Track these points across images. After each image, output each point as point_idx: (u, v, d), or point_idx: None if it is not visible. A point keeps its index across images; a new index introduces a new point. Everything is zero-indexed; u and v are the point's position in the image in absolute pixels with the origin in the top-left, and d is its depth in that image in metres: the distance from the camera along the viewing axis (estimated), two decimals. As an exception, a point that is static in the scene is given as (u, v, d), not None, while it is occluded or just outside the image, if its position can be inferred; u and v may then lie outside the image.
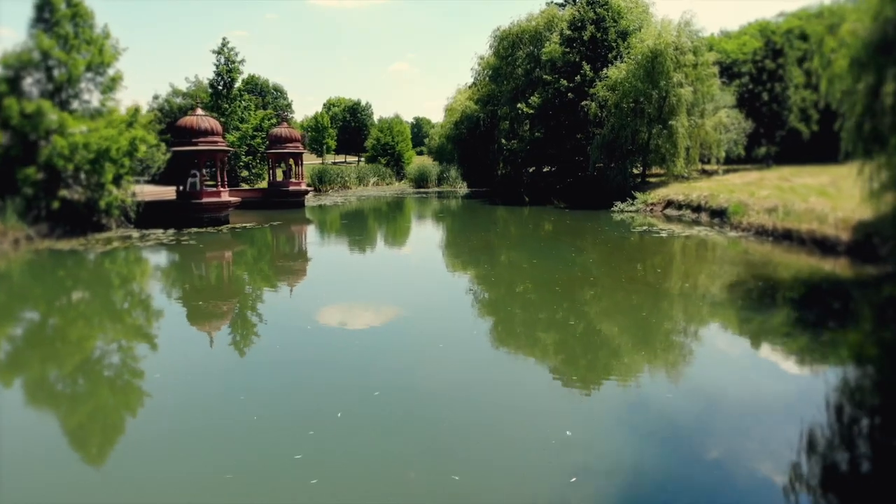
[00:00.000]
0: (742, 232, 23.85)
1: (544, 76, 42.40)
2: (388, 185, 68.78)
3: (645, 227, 26.63)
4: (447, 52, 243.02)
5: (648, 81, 36.54)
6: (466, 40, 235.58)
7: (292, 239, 28.32)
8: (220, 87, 41.18)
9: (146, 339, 12.03)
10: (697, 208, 30.02)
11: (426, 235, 29.61)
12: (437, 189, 62.81)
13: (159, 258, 21.48)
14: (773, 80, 45.95)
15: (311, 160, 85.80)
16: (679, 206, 31.83)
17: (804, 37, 49.93)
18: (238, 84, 41.57)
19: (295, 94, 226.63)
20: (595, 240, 24.51)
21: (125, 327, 12.99)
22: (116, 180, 26.11)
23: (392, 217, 39.11)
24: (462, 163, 58.91)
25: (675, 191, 34.28)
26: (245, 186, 41.62)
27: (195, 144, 27.28)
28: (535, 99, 42.39)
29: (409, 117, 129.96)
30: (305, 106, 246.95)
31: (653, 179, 40.29)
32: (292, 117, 75.44)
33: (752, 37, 62.45)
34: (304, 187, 39.26)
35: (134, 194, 27.40)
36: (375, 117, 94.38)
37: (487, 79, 52.20)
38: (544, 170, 47.42)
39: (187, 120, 27.93)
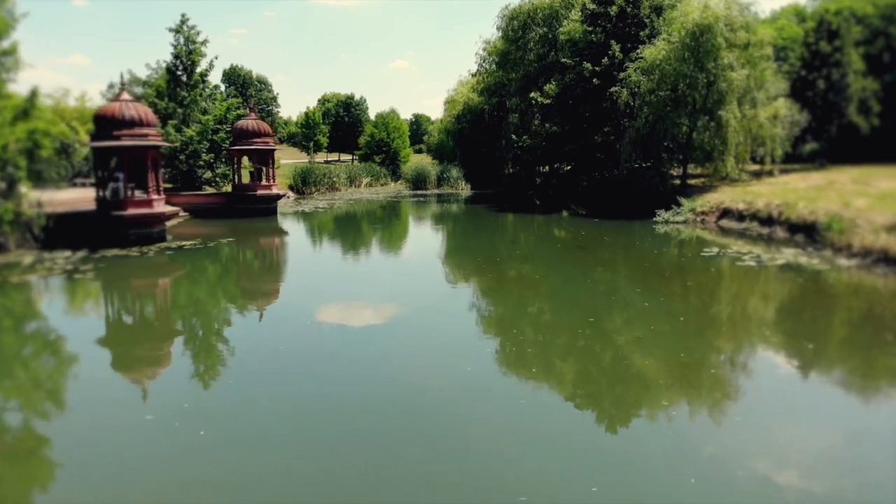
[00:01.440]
0: (854, 258, 17.33)
1: (563, 60, 35.85)
2: (382, 186, 62.29)
3: (716, 250, 19.94)
4: (448, 49, 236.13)
5: (693, 63, 30.03)
6: (468, 37, 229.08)
7: (261, 257, 21.96)
8: (179, 73, 34.68)
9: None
10: (768, 220, 23.51)
11: (421, 256, 23.09)
12: (436, 191, 56.29)
13: (44, 294, 15.07)
14: (827, 65, 39.38)
15: (302, 158, 79.10)
16: (740, 217, 25.32)
17: (857, 18, 43.50)
18: (201, 68, 35.03)
19: (293, 92, 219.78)
20: (658, 272, 17.63)
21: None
22: (9, 187, 19.67)
23: (382, 226, 32.64)
24: (464, 161, 52.40)
25: (728, 196, 27.81)
26: (210, 190, 35.10)
27: (117, 138, 20.76)
28: (550, 87, 35.86)
29: (408, 115, 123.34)
30: (303, 104, 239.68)
31: (693, 182, 33.79)
32: (277, 111, 68.92)
33: (788, 21, 56.10)
34: (276, 191, 32.72)
35: (40, 204, 20.93)
36: (371, 113, 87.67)
37: (494, 66, 45.59)
38: (564, 169, 40.91)
39: (108, 108, 21.36)
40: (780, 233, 22.34)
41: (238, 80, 65.54)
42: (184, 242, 22.05)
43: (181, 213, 31.55)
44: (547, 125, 39.29)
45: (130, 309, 14.58)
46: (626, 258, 19.89)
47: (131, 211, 20.87)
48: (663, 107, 30.97)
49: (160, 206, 21.73)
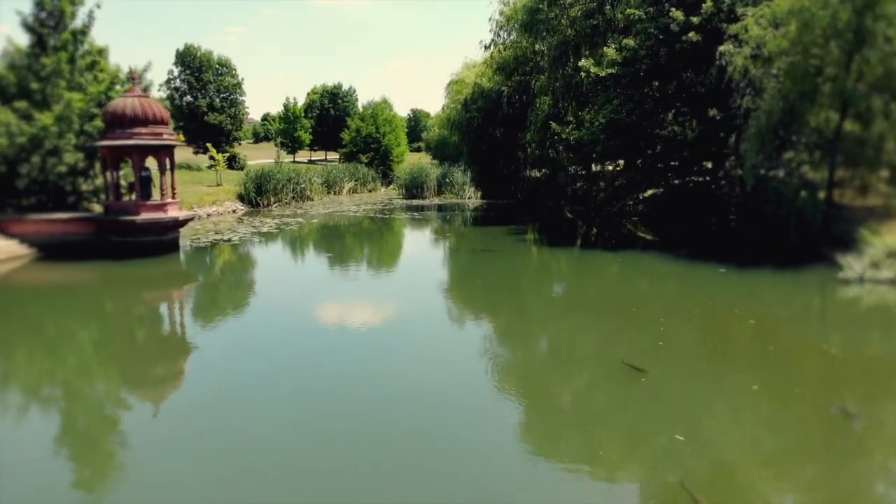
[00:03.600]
0: None
1: (628, 12, 23.74)
2: (370, 192, 50.27)
3: None
4: (449, 47, 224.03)
5: (861, 7, 18.03)
6: (470, 33, 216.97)
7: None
8: (44, 31, 22.70)
9: None
10: None
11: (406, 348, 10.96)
12: (436, 199, 44.10)
13: None
14: None
15: (285, 159, 66.67)
16: None
17: None
18: (74, 24, 22.93)
19: (292, 91, 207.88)
20: None
21: None
22: None
23: (331, 292, 20.54)
24: (474, 161, 40.18)
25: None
26: (98, 209, 22.80)
27: None
28: (610, 51, 23.68)
29: (405, 113, 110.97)
30: (298, 102, 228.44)
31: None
32: (242, 101, 56.74)
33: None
34: (174, 213, 20.35)
35: None
36: (360, 106, 75.20)
37: (516, 32, 33.55)
38: (616, 172, 28.81)
39: None
40: None
41: (194, 63, 53.36)
42: None
43: (25, 251, 19.56)
44: (584, 112, 27.16)
45: None
46: None
47: None
48: (807, 79, 18.96)
49: None
